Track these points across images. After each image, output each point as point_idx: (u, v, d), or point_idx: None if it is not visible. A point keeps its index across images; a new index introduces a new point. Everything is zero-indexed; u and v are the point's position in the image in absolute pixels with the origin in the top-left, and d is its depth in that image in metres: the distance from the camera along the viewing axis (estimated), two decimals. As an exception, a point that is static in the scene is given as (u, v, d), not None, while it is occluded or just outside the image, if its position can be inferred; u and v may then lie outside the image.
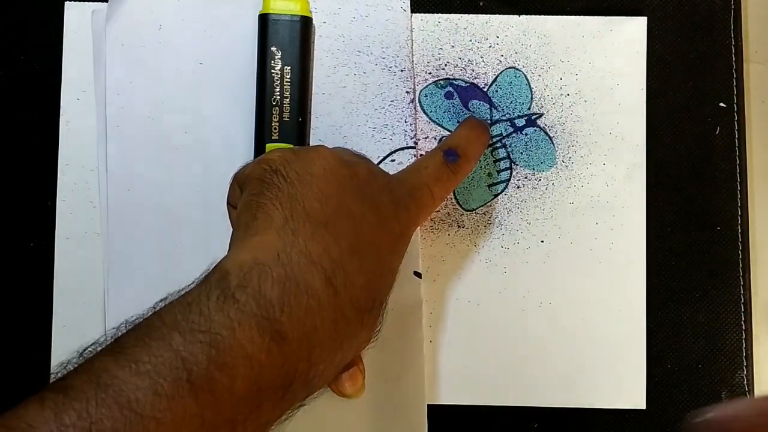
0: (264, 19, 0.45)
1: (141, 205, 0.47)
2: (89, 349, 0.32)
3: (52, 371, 0.46)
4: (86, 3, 0.48)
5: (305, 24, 0.46)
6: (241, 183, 0.39)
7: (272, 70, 0.45)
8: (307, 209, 0.36)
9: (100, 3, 0.48)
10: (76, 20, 0.48)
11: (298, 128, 0.45)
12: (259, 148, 0.45)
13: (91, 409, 0.29)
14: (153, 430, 0.29)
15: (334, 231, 0.36)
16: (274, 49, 0.45)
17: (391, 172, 0.47)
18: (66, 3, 0.48)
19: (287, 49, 0.45)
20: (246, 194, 0.38)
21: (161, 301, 0.34)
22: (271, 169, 0.38)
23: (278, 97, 0.45)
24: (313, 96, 0.47)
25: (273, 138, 0.45)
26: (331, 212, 0.36)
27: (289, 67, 0.45)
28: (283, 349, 0.32)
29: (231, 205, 0.41)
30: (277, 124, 0.45)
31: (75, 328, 0.47)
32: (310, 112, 0.47)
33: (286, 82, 0.45)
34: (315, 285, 0.34)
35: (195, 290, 0.33)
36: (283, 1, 0.45)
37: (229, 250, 0.36)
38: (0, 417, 0.29)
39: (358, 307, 0.35)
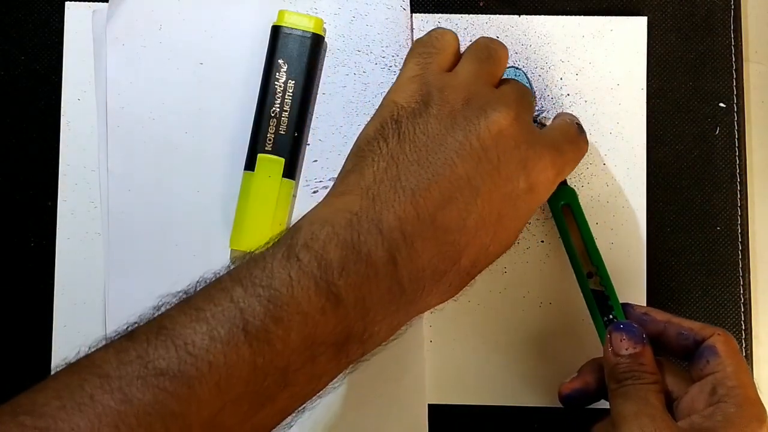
0: (276, 31, 0.46)
1: (141, 205, 0.47)
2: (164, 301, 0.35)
3: (52, 371, 0.46)
4: (86, 3, 0.48)
5: (316, 41, 0.46)
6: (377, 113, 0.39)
7: (276, 82, 0.45)
8: (400, 173, 0.36)
9: (100, 3, 0.48)
10: (76, 20, 0.48)
11: (292, 142, 0.45)
12: (251, 157, 0.45)
13: (150, 349, 0.31)
14: (206, 371, 0.31)
15: (421, 201, 0.36)
16: (281, 61, 0.45)
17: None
18: (66, 3, 0.48)
19: (294, 64, 0.45)
20: (362, 136, 0.38)
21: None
22: (392, 118, 0.38)
23: (277, 110, 0.45)
24: (313, 97, 0.47)
25: (266, 149, 0.45)
26: (428, 178, 0.36)
27: (293, 82, 0.45)
28: (337, 309, 0.34)
29: None
30: (273, 135, 0.45)
31: (75, 328, 0.47)
32: (308, 129, 0.47)
33: (288, 95, 0.45)
34: (375, 256, 0.35)
35: (271, 245, 0.35)
36: (297, 16, 0.46)
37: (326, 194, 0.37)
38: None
39: (418, 278, 0.36)
